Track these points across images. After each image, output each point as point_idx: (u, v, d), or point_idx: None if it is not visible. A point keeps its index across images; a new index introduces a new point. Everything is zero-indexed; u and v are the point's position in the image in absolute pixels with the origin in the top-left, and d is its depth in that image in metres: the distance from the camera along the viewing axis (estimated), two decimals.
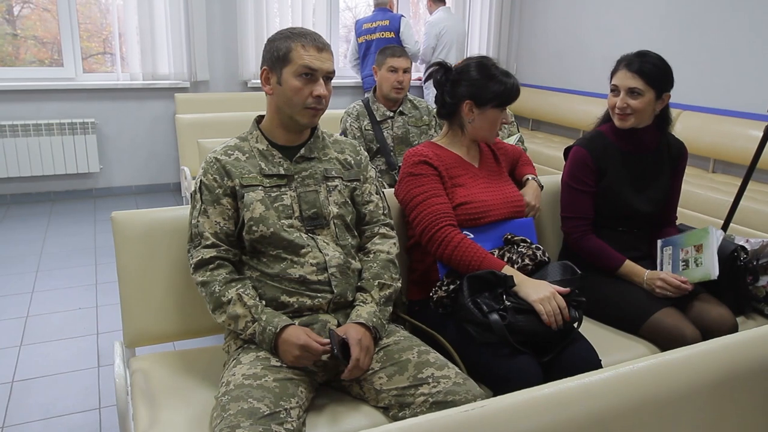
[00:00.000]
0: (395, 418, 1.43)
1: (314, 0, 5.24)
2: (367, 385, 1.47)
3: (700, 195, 3.64)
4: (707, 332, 1.79)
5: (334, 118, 3.21)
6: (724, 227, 2.37)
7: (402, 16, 5.10)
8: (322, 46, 1.54)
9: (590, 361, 1.60)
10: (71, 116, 4.57)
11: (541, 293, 1.57)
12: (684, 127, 4.23)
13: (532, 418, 0.86)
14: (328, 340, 1.42)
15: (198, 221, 1.54)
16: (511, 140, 2.96)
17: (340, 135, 2.85)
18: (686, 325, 1.77)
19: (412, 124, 2.86)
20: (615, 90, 1.95)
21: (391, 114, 2.87)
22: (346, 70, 5.51)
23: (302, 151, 1.60)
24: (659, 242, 2.00)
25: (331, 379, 1.53)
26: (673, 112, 4.18)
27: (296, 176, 1.58)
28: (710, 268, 1.82)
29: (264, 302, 1.50)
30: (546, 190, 2.11)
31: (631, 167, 2.00)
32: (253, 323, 1.45)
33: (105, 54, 5.05)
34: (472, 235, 1.78)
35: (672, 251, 1.95)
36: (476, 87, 1.78)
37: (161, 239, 1.69)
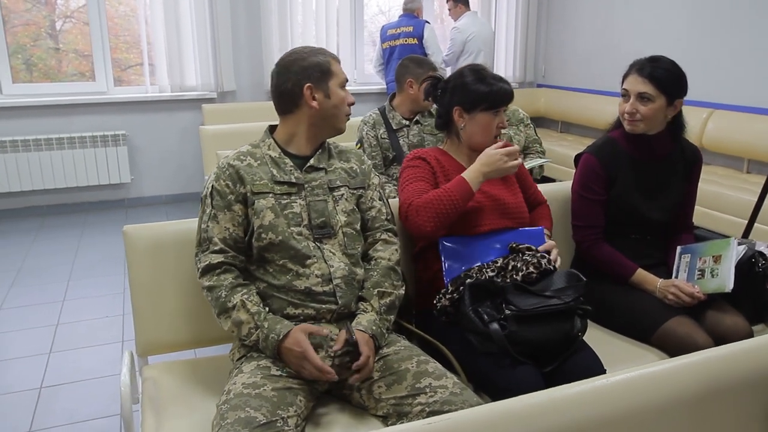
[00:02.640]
0: None
1: (337, 7, 5.31)
2: (367, 393, 1.51)
3: (731, 197, 3.55)
4: (721, 341, 1.76)
5: (353, 125, 3.25)
6: (747, 230, 2.32)
7: (427, 22, 5.12)
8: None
9: (594, 371, 1.59)
10: (103, 129, 4.75)
11: (481, 159, 1.74)
12: (716, 127, 4.14)
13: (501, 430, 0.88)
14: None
15: (208, 226, 1.58)
16: (534, 163, 2.95)
17: (357, 143, 2.92)
18: (699, 334, 1.75)
19: (428, 132, 2.88)
20: (626, 95, 1.94)
21: (407, 123, 2.90)
22: (371, 77, 5.57)
23: (312, 161, 1.65)
24: (678, 249, 1.97)
25: (332, 387, 1.56)
26: (704, 111, 4.15)
27: (306, 185, 1.63)
28: (725, 280, 1.79)
29: (268, 310, 1.54)
30: (557, 198, 2.12)
31: (643, 174, 1.98)
32: (257, 330, 1.50)
33: (142, 65, 5.23)
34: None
35: (690, 259, 1.92)
36: (463, 92, 1.82)
37: (171, 251, 1.75)
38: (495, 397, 1.57)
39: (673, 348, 1.78)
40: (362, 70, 5.67)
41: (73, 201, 4.84)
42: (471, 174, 1.75)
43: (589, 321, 1.99)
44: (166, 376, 1.71)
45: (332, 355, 1.50)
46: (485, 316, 1.59)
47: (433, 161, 1.85)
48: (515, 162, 1.76)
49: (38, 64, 4.90)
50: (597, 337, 1.89)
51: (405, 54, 5.04)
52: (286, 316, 1.55)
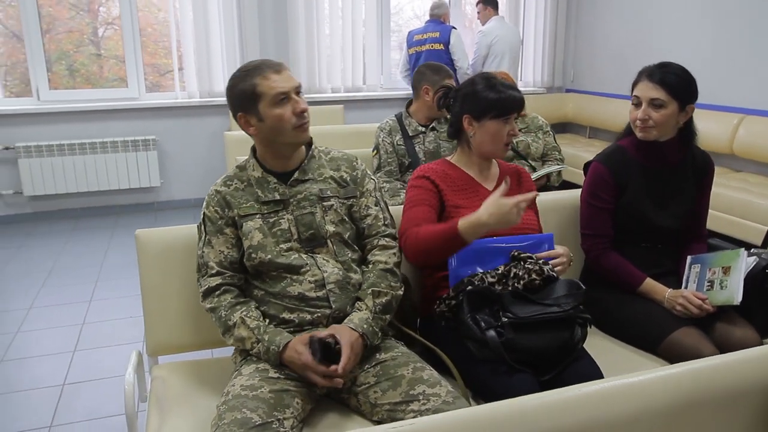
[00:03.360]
0: None
1: (364, 11, 5.37)
2: (363, 398, 1.53)
3: (761, 205, 3.46)
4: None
5: (370, 132, 3.28)
6: (766, 239, 2.27)
7: (453, 28, 5.13)
8: (278, 68, 1.63)
9: (592, 380, 1.58)
10: (134, 134, 4.90)
11: (489, 209, 1.59)
12: (747, 133, 4.03)
13: None
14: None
15: (203, 251, 1.65)
16: (550, 170, 2.93)
17: (373, 150, 2.96)
18: (705, 346, 1.72)
19: (444, 139, 2.90)
20: (637, 102, 1.93)
21: (424, 129, 2.92)
22: (399, 82, 5.61)
23: (296, 174, 1.69)
24: (689, 259, 1.94)
25: (331, 391, 1.59)
26: (735, 117, 4.05)
27: (292, 200, 1.66)
28: (734, 292, 1.76)
29: (267, 320, 1.59)
30: (566, 207, 2.11)
31: (653, 182, 1.96)
32: (258, 344, 1.54)
33: (180, 70, 5.37)
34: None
35: (700, 269, 1.89)
36: (473, 100, 1.83)
37: (181, 255, 1.81)
38: None
39: (678, 359, 1.75)
40: (389, 75, 5.71)
41: (105, 204, 5.01)
42: (469, 224, 1.62)
43: (596, 330, 2.00)
44: (174, 375, 1.77)
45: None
46: (482, 324, 1.60)
47: (439, 178, 1.85)
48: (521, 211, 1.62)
49: (81, 69, 5.09)
50: (603, 347, 1.88)
51: (430, 59, 5.06)
52: (282, 321, 1.60)
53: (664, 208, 1.96)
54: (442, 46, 5.07)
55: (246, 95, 1.61)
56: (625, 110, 5.63)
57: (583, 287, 1.66)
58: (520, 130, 3.12)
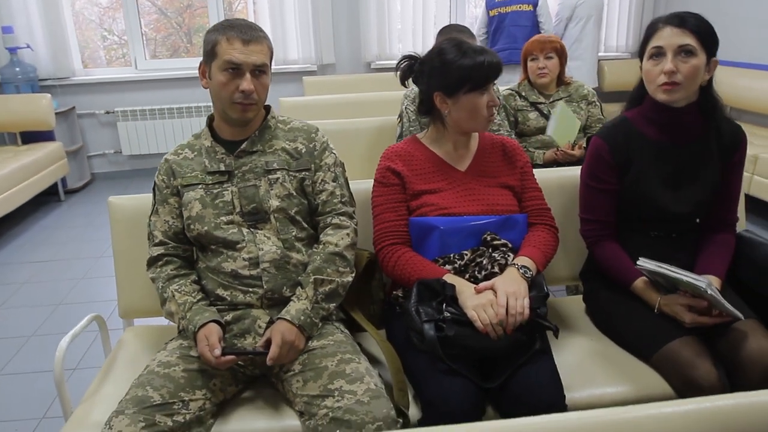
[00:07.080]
0: (304, 425, 1.29)
1: None
2: (287, 385, 1.36)
3: None
4: (738, 371, 1.35)
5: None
6: None
7: None
8: (249, 39, 1.41)
9: (545, 394, 1.29)
10: None
11: (477, 300, 1.33)
12: None
13: None
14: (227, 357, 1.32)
15: (151, 220, 1.54)
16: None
17: (397, 118, 2.69)
18: (702, 362, 1.35)
19: None
20: (658, 54, 1.47)
21: None
22: None
23: (243, 145, 1.50)
24: (639, 264, 1.44)
25: (266, 372, 1.44)
26: None
27: (237, 171, 1.49)
28: (734, 316, 1.38)
29: (199, 298, 1.44)
30: (567, 185, 1.77)
31: (664, 160, 1.55)
32: (183, 320, 1.42)
33: None
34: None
35: (665, 282, 1.48)
36: (441, 75, 1.51)
37: None
38: (423, 408, 1.34)
39: (672, 374, 1.40)
40: None
41: None
42: (455, 282, 1.41)
43: (593, 328, 1.67)
44: (138, 340, 1.69)
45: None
46: (423, 315, 1.35)
47: (402, 162, 1.58)
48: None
49: None
50: (591, 348, 1.57)
51: (518, 21, 4.47)
52: (217, 298, 1.45)
53: (677, 191, 1.55)
54: (530, 7, 4.46)
55: (208, 47, 1.45)
56: (726, 77, 4.75)
57: (546, 290, 1.36)
58: (560, 99, 2.69)
